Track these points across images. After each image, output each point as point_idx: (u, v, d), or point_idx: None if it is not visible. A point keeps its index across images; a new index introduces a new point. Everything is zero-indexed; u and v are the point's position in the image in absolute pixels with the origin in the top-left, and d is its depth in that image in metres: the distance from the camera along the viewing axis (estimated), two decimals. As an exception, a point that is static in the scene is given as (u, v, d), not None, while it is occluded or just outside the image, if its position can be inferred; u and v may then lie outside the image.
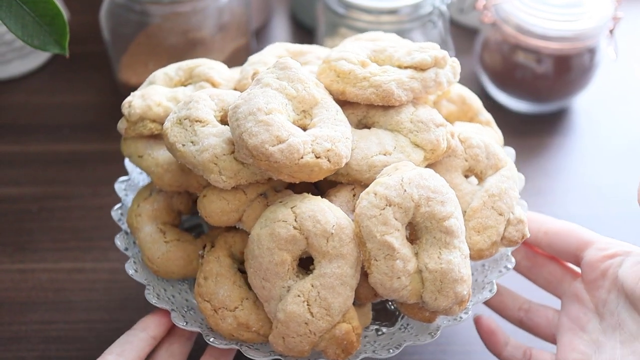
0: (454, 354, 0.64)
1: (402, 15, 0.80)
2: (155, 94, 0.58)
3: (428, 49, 0.56)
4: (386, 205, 0.48)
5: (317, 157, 0.49)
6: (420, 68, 0.54)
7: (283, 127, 0.48)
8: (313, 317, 0.49)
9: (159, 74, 0.62)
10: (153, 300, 0.54)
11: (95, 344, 0.64)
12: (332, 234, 0.49)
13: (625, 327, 0.52)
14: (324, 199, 0.51)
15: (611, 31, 0.82)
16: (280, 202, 0.51)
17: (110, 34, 0.82)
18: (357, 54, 0.56)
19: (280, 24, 1.04)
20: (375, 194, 0.48)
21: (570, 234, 0.57)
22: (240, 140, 0.48)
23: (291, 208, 0.50)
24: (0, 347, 0.64)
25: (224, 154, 0.50)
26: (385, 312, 0.59)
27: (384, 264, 0.48)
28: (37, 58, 0.93)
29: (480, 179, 0.57)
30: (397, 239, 0.48)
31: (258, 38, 1.00)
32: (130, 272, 0.56)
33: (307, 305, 0.49)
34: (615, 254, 0.54)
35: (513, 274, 0.63)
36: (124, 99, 0.58)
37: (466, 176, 0.57)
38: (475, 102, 0.64)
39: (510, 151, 0.65)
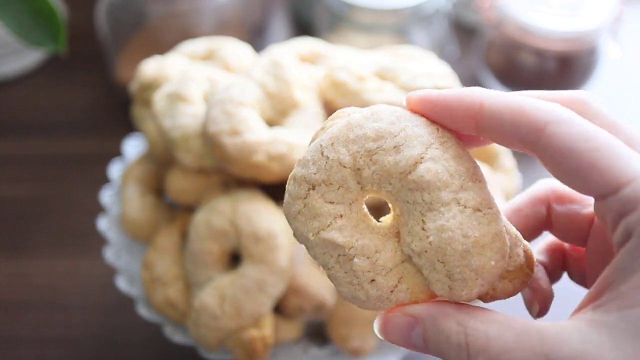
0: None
1: (404, 14, 0.79)
2: (169, 66, 0.59)
3: (435, 77, 0.53)
4: (309, 189, 0.32)
5: (269, 159, 0.48)
6: None
7: (244, 122, 0.48)
8: (223, 313, 0.48)
9: (188, 45, 0.62)
10: (123, 287, 0.55)
11: (92, 345, 0.63)
12: (261, 238, 0.48)
13: None
14: (270, 201, 0.51)
15: (614, 31, 0.82)
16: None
17: (107, 33, 0.81)
18: (362, 66, 0.54)
19: (280, 23, 1.04)
20: (294, 180, 0.33)
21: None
22: (205, 126, 0.49)
23: (234, 202, 0.50)
24: (-4, 348, 0.63)
25: (195, 136, 0.51)
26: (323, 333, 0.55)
27: (341, 271, 0.32)
28: (34, 57, 0.93)
29: None
30: (342, 230, 0.32)
31: (258, 37, 0.99)
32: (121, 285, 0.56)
33: (221, 301, 0.49)
34: None
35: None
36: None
37: None
38: (498, 147, 0.60)
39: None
